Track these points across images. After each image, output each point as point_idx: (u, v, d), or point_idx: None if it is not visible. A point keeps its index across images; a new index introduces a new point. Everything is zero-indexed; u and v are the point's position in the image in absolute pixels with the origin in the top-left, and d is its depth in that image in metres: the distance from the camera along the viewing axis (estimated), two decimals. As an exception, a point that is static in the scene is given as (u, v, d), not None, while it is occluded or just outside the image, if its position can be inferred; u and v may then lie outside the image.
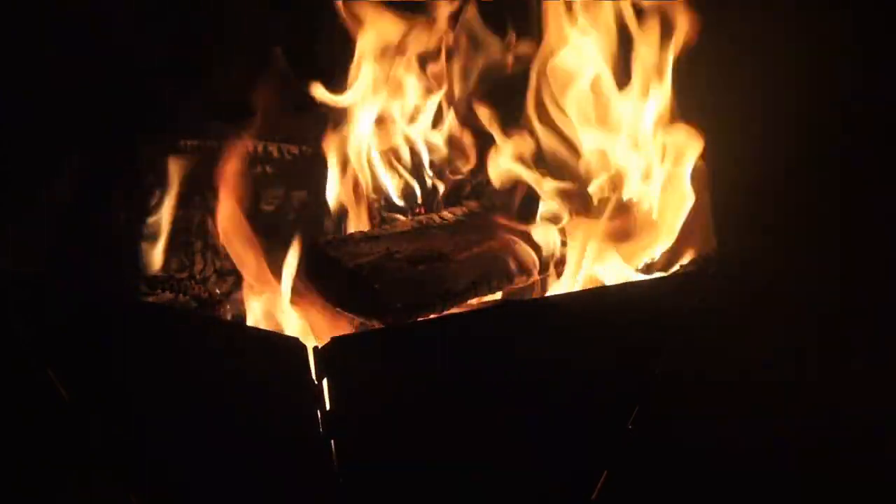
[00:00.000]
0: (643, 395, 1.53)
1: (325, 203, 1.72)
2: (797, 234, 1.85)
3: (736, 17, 1.75)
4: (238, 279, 1.72)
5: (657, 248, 1.66)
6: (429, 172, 1.77)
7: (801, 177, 1.82)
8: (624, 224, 1.67)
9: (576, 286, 1.62)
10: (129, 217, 1.64)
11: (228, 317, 1.68)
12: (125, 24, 1.77)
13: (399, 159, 1.75)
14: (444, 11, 1.70)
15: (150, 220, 1.63)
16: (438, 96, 1.74)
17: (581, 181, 1.70)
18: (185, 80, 1.81)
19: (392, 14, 1.68)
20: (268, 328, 1.54)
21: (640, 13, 1.61)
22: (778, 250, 1.81)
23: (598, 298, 1.48)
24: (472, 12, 1.71)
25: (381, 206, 1.74)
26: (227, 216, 1.50)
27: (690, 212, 1.65)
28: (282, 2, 1.88)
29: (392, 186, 1.74)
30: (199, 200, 1.66)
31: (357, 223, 1.71)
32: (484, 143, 1.75)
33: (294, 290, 1.57)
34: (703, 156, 1.61)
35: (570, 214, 1.66)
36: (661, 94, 1.62)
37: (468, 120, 1.75)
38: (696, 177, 1.65)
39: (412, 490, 1.42)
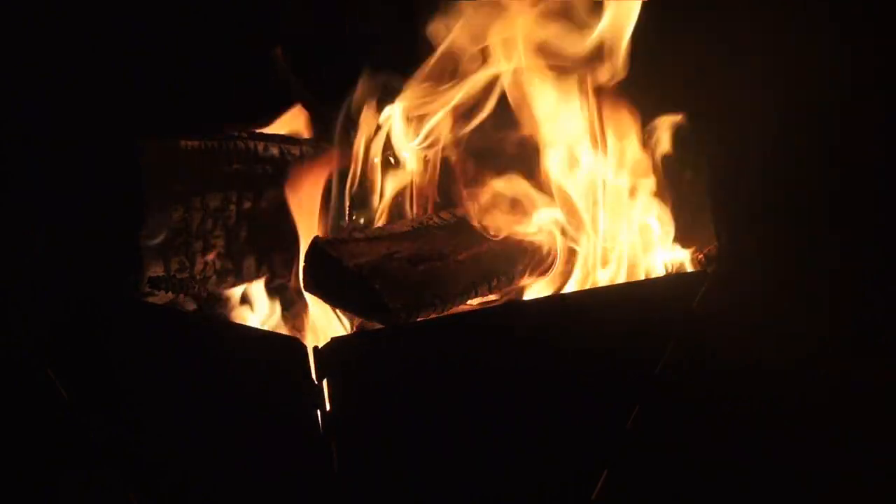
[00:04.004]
0: (643, 395, 1.53)
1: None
2: (797, 233, 1.84)
3: (735, 17, 1.75)
4: (238, 280, 1.73)
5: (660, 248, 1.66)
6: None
7: (801, 176, 1.82)
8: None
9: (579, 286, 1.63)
10: (129, 217, 1.64)
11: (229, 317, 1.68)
12: (126, 23, 1.77)
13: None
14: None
15: (151, 220, 1.63)
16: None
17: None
18: (186, 80, 1.81)
19: None
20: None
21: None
22: (777, 250, 1.81)
23: (597, 298, 1.49)
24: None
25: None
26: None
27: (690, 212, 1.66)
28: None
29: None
30: (199, 200, 1.66)
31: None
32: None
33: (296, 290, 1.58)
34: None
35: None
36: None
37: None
38: (696, 177, 1.66)
39: (412, 490, 1.42)
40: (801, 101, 1.75)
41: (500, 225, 1.63)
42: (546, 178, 1.66)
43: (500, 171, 1.69)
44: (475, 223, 1.63)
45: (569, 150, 1.67)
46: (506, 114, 1.71)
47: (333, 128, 1.76)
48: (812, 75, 1.74)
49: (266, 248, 1.74)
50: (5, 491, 1.66)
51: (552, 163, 1.66)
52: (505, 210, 1.66)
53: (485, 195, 1.66)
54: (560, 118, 1.66)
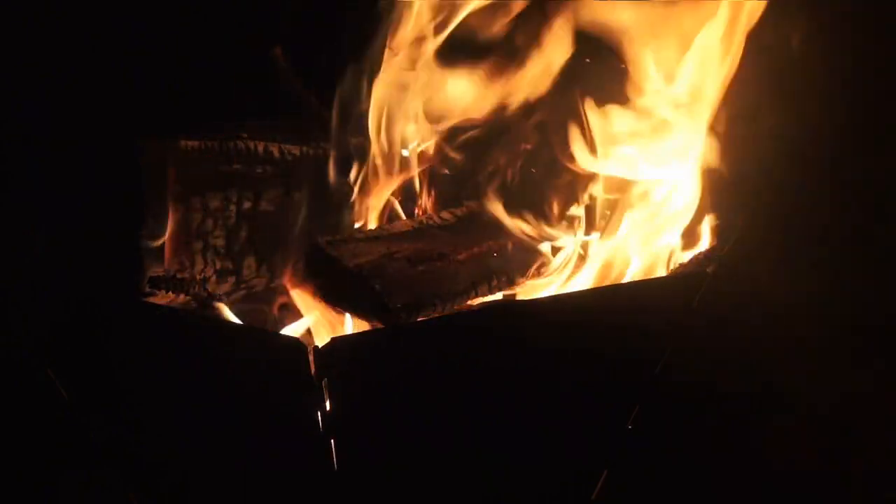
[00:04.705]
0: (643, 395, 1.53)
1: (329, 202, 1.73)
2: (798, 234, 1.84)
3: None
4: (238, 280, 1.73)
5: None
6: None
7: (802, 176, 1.82)
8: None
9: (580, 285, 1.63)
10: (129, 217, 1.64)
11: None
12: (126, 23, 1.77)
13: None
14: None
15: (151, 220, 1.63)
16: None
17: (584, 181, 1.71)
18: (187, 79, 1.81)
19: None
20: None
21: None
22: (778, 250, 1.81)
23: (597, 298, 1.48)
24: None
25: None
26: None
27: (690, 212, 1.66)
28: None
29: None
30: (199, 200, 1.66)
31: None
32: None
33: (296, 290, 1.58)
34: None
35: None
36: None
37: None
38: (697, 177, 1.66)
39: (412, 490, 1.42)
40: (801, 101, 1.75)
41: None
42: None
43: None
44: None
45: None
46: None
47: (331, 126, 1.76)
48: (818, 74, 1.74)
49: (266, 248, 1.74)
50: (5, 491, 1.66)
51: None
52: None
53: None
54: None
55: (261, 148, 1.70)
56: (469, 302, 1.54)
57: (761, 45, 1.62)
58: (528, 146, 1.76)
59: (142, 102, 1.75)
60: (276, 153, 1.71)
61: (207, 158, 1.65)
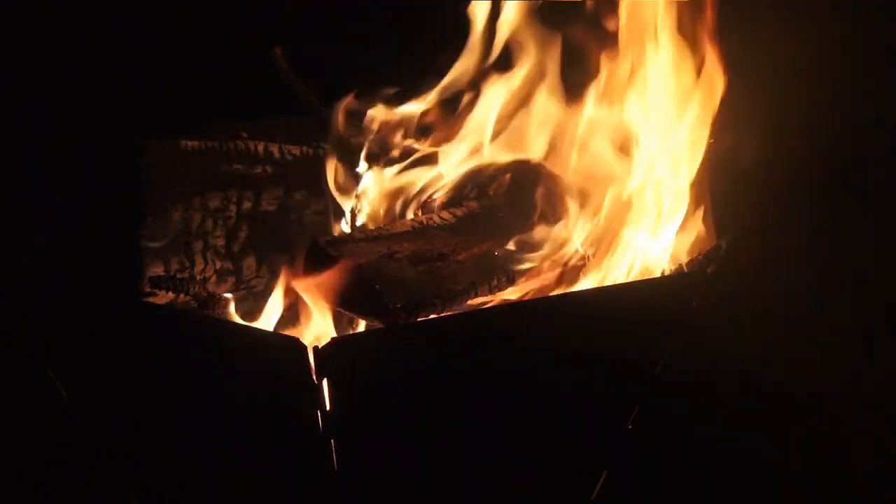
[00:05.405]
0: (643, 395, 1.53)
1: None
2: (798, 233, 1.84)
3: (738, 16, 1.75)
4: (238, 280, 1.73)
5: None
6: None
7: (802, 176, 1.82)
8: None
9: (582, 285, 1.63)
10: (129, 217, 1.64)
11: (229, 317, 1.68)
12: (126, 23, 1.77)
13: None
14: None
15: (151, 220, 1.63)
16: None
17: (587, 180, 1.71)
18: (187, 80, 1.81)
19: None
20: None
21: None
22: (778, 249, 1.81)
23: (597, 298, 1.48)
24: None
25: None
26: None
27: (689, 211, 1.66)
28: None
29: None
30: (199, 200, 1.66)
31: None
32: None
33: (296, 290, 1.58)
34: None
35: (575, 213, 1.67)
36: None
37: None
38: (696, 176, 1.66)
39: (412, 490, 1.42)
40: (808, 102, 1.75)
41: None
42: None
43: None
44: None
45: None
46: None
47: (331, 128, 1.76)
48: (818, 75, 1.74)
49: (266, 248, 1.74)
50: (5, 491, 1.66)
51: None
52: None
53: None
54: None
55: (261, 148, 1.70)
56: (469, 302, 1.54)
57: (756, 45, 1.62)
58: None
59: (142, 102, 1.75)
60: (276, 153, 1.71)
61: (207, 158, 1.66)
